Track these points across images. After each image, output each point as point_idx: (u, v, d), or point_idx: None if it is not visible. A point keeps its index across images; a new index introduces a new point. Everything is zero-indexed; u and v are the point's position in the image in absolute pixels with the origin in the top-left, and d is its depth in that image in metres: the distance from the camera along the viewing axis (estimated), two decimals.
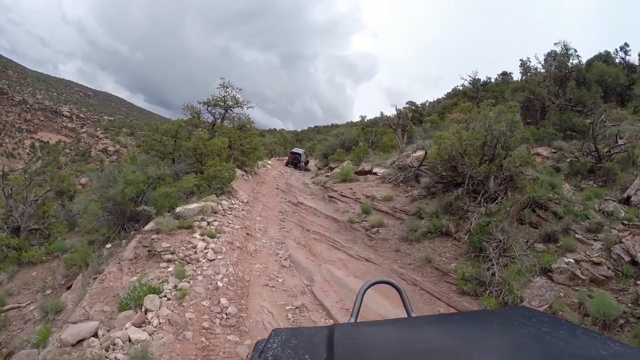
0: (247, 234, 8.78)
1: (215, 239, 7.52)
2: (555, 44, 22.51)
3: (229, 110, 18.13)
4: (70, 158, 63.51)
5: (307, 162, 28.35)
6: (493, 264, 8.05)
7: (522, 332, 0.75)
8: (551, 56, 22.73)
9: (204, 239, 7.39)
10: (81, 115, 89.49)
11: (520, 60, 24.26)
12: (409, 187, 15.51)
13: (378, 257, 9.33)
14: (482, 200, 9.75)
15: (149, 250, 6.77)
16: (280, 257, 7.85)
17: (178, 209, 8.72)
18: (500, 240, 8.53)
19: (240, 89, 18.11)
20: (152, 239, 7.43)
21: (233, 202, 10.99)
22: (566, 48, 22.43)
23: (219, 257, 6.76)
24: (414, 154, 19.04)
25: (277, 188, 16.84)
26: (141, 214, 10.53)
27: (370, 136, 28.43)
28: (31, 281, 10.73)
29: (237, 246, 7.59)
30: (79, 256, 9.96)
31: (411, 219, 11.41)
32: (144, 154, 13.33)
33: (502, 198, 10.69)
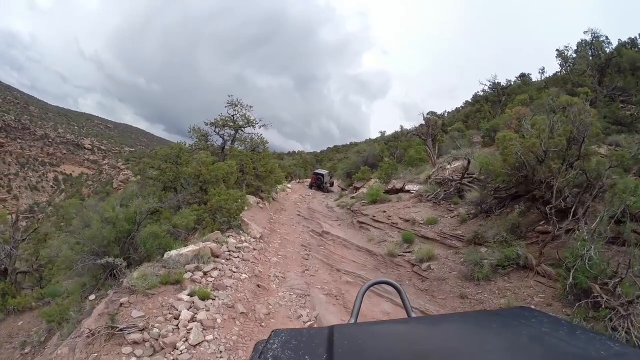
0: (258, 285, 6.38)
1: (209, 302, 5.15)
2: (585, 32, 21.47)
3: (239, 131, 16.29)
4: (93, 190, 64.24)
5: (332, 183, 27.24)
6: (621, 315, 5.37)
7: (522, 332, 0.74)
8: (582, 45, 21.62)
9: (192, 303, 5.03)
10: (102, 147, 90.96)
11: (557, 50, 22.56)
12: (452, 205, 12.99)
13: (438, 307, 6.74)
14: (583, 220, 7.05)
15: (106, 327, 4.51)
16: (304, 322, 5.41)
17: (165, 255, 6.50)
18: (621, 278, 5.85)
19: (251, 106, 16.32)
20: (120, 304, 5.19)
21: (242, 238, 8.67)
22: (596, 36, 21.19)
23: (209, 336, 4.36)
24: (449, 166, 16.63)
25: (299, 215, 14.50)
26: (132, 258, 8.62)
27: (394, 151, 26.48)
28: (15, 332, 9.28)
29: (240, 311, 5.20)
30: (56, 310, 8.20)
31: (470, 248, 8.83)
32: (136, 185, 11.35)
33: (589, 213, 7.99)
